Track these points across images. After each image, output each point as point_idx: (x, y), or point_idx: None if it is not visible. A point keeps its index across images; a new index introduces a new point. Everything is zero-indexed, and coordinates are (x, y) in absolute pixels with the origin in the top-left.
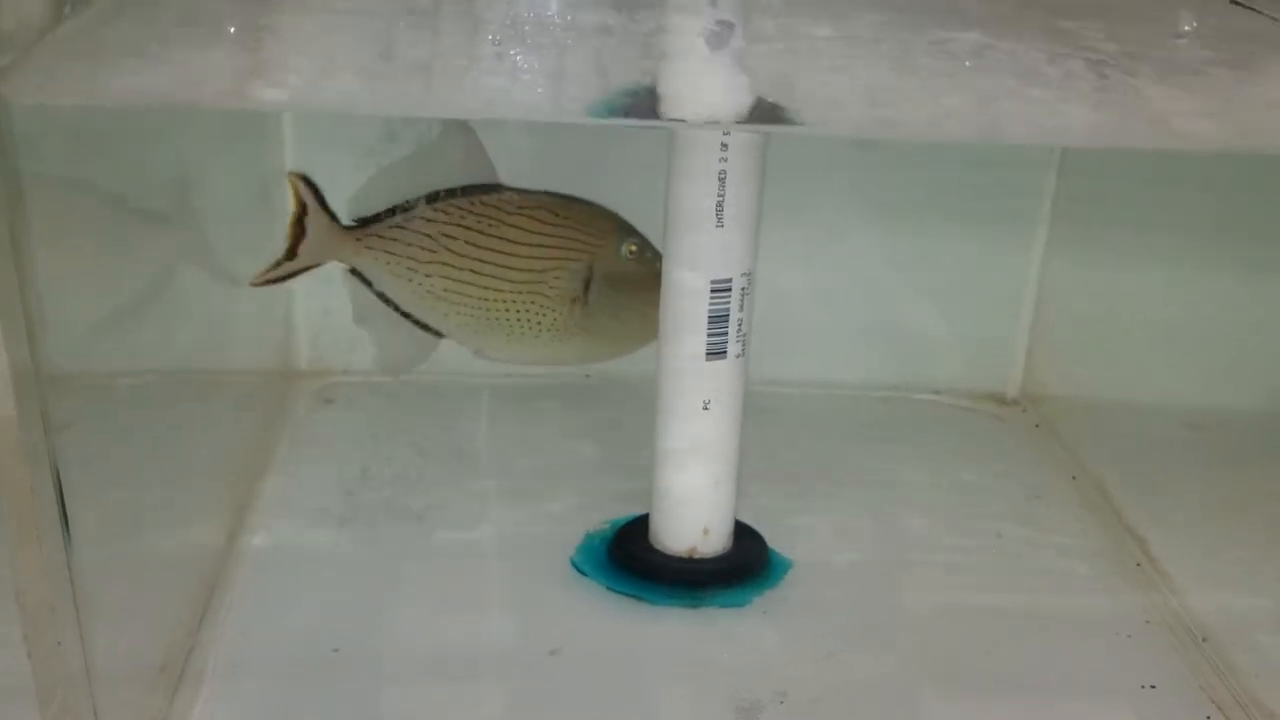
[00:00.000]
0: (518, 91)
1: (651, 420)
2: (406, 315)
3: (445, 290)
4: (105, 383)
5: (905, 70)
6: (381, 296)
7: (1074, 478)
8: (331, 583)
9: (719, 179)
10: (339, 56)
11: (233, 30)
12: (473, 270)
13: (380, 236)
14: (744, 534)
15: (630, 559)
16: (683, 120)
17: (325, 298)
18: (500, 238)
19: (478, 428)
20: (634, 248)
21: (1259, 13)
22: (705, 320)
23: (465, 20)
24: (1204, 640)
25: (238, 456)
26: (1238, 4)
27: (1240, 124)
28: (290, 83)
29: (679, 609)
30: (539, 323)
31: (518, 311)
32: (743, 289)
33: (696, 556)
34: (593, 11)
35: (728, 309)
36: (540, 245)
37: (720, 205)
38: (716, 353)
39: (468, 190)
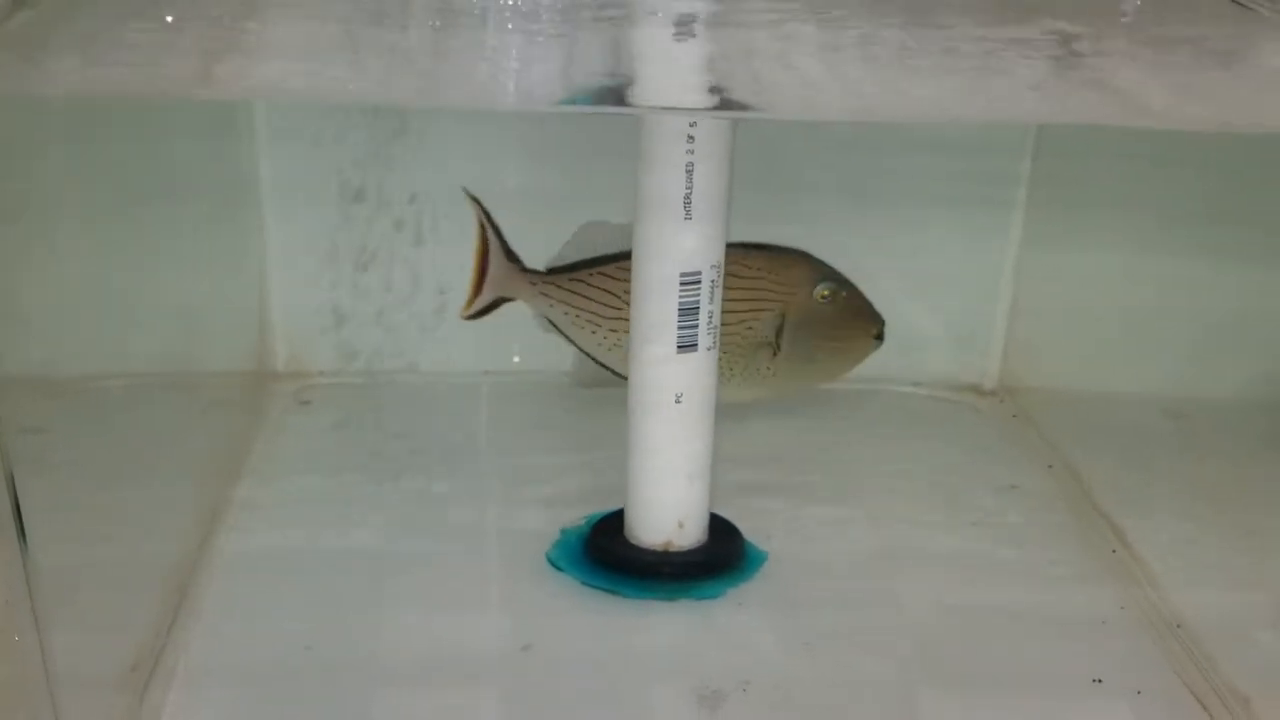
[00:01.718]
0: (486, 80)
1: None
2: (590, 356)
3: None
4: (76, 385)
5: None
6: (566, 337)
7: (1050, 467)
8: (305, 583)
9: (686, 171)
10: (305, 47)
11: (194, 20)
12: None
13: (559, 287)
14: (719, 527)
15: (605, 553)
16: (653, 107)
17: (301, 298)
18: None
19: (455, 426)
20: (827, 292)
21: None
22: (675, 313)
23: (433, 11)
24: (1179, 627)
25: (211, 458)
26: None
27: (1216, 103)
28: (257, 74)
29: (653, 602)
30: (732, 370)
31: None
32: (713, 281)
33: (671, 550)
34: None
35: (698, 301)
36: (734, 299)
37: (688, 197)
38: (687, 345)
39: None
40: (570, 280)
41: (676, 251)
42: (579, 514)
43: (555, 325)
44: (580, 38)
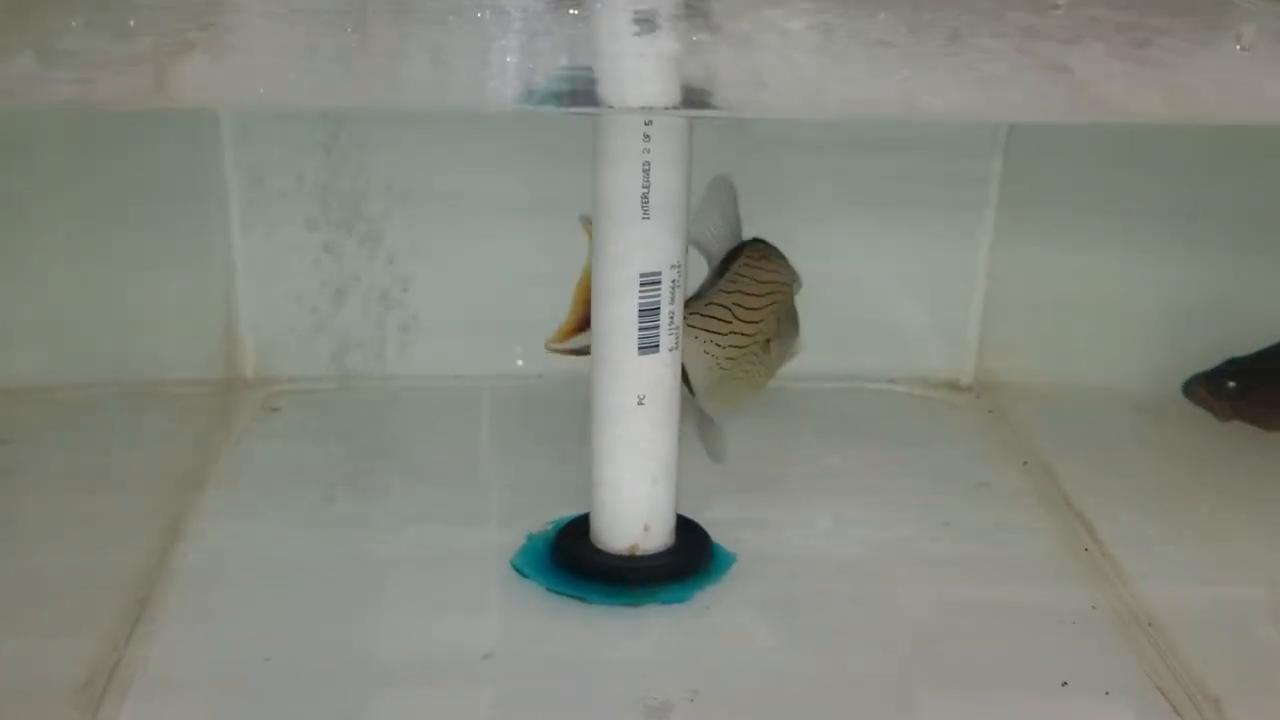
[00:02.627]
0: (447, 81)
1: None
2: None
3: (737, 358)
4: (39, 395)
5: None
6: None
7: (1025, 463)
8: (266, 594)
9: (643, 170)
10: (264, 54)
11: (148, 29)
12: (742, 334)
13: (709, 317)
14: (687, 529)
15: (570, 559)
16: (614, 107)
17: (271, 303)
18: (747, 293)
19: (423, 432)
20: (799, 281)
21: None
22: (635, 314)
23: (395, 12)
24: (1150, 625)
25: (175, 467)
26: None
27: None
28: (213, 80)
29: (618, 608)
30: (744, 368)
31: (741, 363)
32: (673, 281)
33: (638, 554)
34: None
35: (658, 302)
36: (763, 301)
37: (645, 197)
38: (648, 347)
39: (734, 255)
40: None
41: (635, 252)
42: (547, 518)
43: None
44: (538, 34)
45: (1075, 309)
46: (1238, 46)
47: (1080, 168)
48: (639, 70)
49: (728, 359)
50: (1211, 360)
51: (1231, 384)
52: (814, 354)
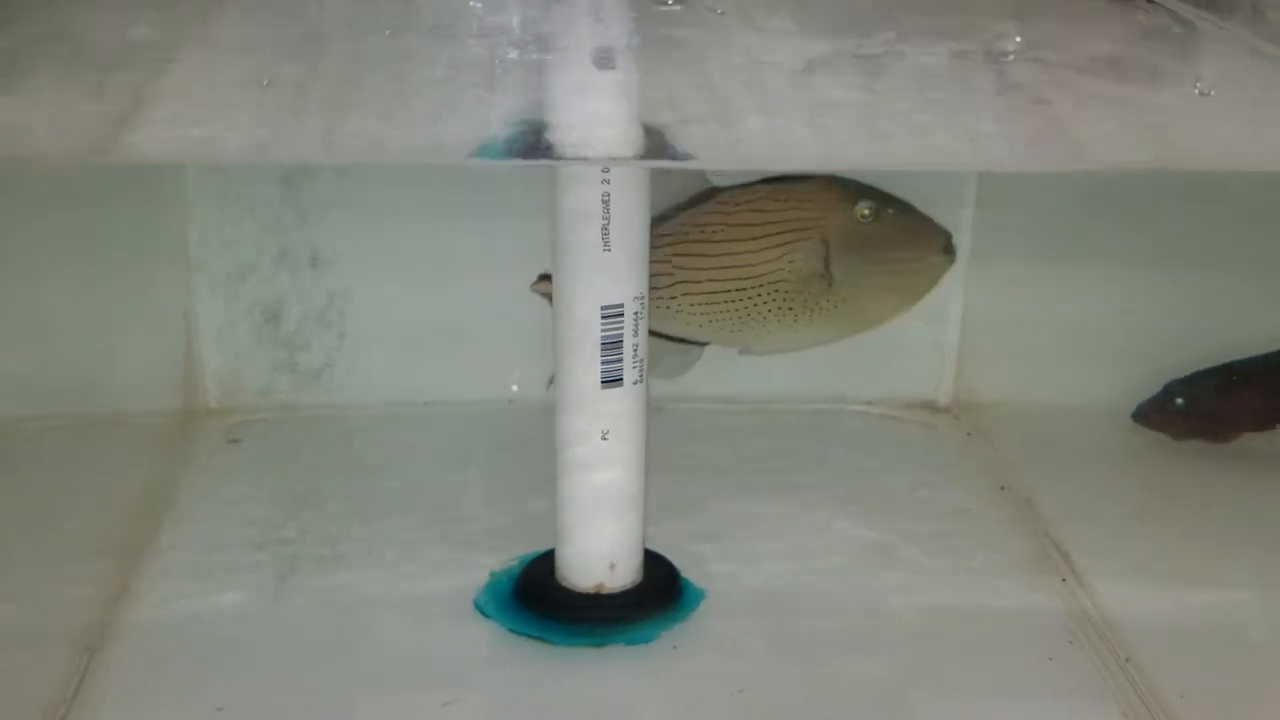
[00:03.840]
0: (400, 134)
1: None
2: (661, 335)
3: (693, 306)
4: None
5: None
6: None
7: (1003, 488)
8: (222, 639)
9: (603, 201)
10: (211, 105)
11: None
12: (711, 280)
13: None
14: (655, 564)
15: (534, 598)
16: (572, 158)
17: (232, 331)
18: (728, 239)
19: (389, 463)
20: (867, 210)
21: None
22: (598, 347)
23: (347, 63)
24: (1127, 661)
25: (130, 503)
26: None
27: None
28: (161, 133)
29: (583, 649)
30: (791, 308)
31: (766, 304)
32: (636, 314)
33: (603, 592)
34: (477, 48)
35: (621, 334)
36: (768, 234)
37: (605, 229)
38: (612, 380)
39: (680, 209)
40: None
41: (595, 284)
42: (512, 554)
43: None
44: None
45: (1053, 329)
46: (1195, 90)
47: (1056, 189)
48: (601, 120)
49: (694, 306)
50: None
51: (1179, 401)
52: (792, 376)
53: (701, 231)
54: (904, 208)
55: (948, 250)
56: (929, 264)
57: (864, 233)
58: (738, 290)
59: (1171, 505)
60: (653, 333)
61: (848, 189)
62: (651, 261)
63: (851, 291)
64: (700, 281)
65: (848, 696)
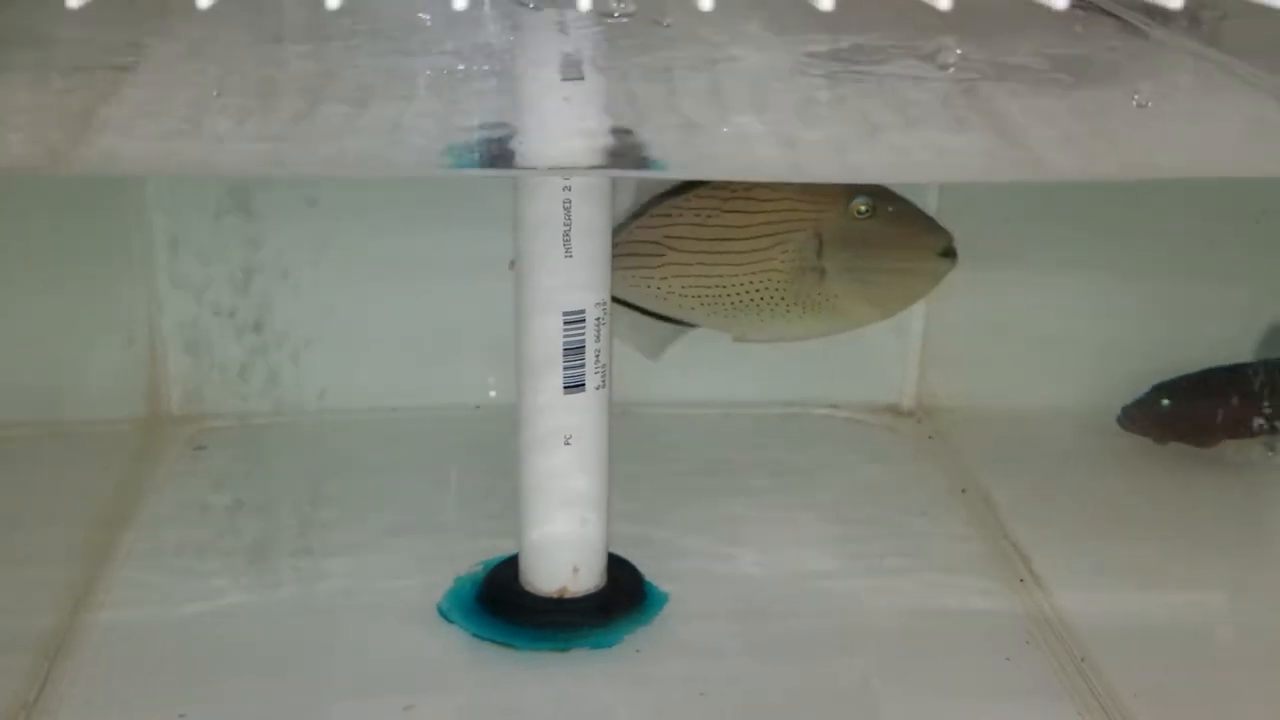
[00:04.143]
0: (363, 145)
1: None
2: (651, 314)
3: (684, 288)
4: None
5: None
6: (620, 302)
7: (964, 490)
8: (184, 646)
9: (564, 208)
10: (160, 114)
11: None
12: (703, 264)
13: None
14: (619, 568)
15: (498, 603)
16: (537, 168)
17: (199, 338)
18: (722, 225)
19: (355, 469)
20: (864, 206)
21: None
22: (560, 352)
23: (309, 73)
24: (1083, 661)
25: (91, 511)
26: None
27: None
28: (117, 147)
29: (546, 653)
30: (783, 299)
31: (758, 292)
32: (598, 319)
33: (567, 596)
34: (440, 59)
35: (583, 340)
36: (764, 223)
37: (567, 235)
38: (574, 385)
39: (678, 190)
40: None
41: (557, 290)
42: (479, 560)
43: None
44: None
45: (1017, 332)
46: (1134, 103)
47: (1016, 198)
48: (566, 129)
49: (685, 288)
50: (1145, 387)
51: (1166, 402)
52: (756, 380)
53: (696, 214)
54: (904, 206)
55: (947, 254)
56: (925, 267)
57: (859, 229)
58: (730, 277)
59: (1129, 507)
60: (642, 310)
61: (845, 184)
62: (642, 241)
63: (844, 288)
64: (690, 265)
65: (810, 697)
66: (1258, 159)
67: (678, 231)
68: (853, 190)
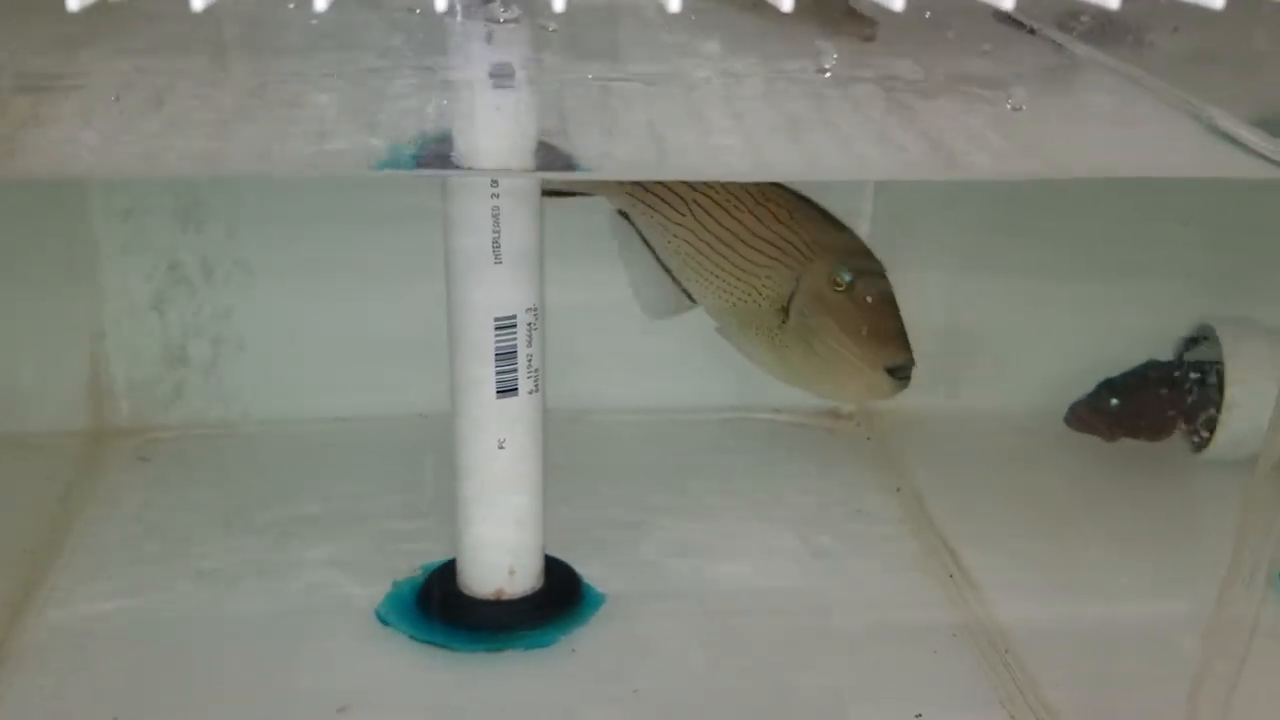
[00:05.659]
0: (297, 145)
1: None
2: (666, 270)
3: (689, 254)
4: None
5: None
6: (645, 241)
7: (898, 490)
8: (120, 651)
9: (493, 215)
10: (102, 116)
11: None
12: (710, 245)
13: (644, 187)
14: (556, 570)
15: (435, 606)
16: (471, 169)
17: (143, 349)
18: (737, 221)
19: (298, 478)
20: (843, 278)
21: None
22: (492, 357)
23: (244, 74)
24: (1006, 652)
25: (33, 520)
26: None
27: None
28: (55, 150)
29: (482, 654)
30: (754, 321)
31: (739, 301)
32: (529, 324)
33: (503, 598)
34: (373, 59)
35: (514, 345)
36: (764, 240)
37: (496, 241)
38: (507, 390)
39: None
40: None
41: (488, 296)
42: (418, 565)
43: (636, 229)
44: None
45: (950, 339)
46: (1008, 106)
47: (960, 195)
48: (497, 131)
49: (689, 255)
50: (1089, 383)
51: (1114, 401)
52: (697, 385)
53: (725, 197)
54: (883, 302)
55: (896, 375)
56: (865, 377)
57: (829, 298)
58: (724, 271)
59: (1059, 506)
60: (655, 255)
61: (843, 245)
62: (676, 192)
63: (791, 341)
64: (701, 239)
65: (738, 694)
66: (1127, 162)
67: (703, 201)
68: (845, 255)
